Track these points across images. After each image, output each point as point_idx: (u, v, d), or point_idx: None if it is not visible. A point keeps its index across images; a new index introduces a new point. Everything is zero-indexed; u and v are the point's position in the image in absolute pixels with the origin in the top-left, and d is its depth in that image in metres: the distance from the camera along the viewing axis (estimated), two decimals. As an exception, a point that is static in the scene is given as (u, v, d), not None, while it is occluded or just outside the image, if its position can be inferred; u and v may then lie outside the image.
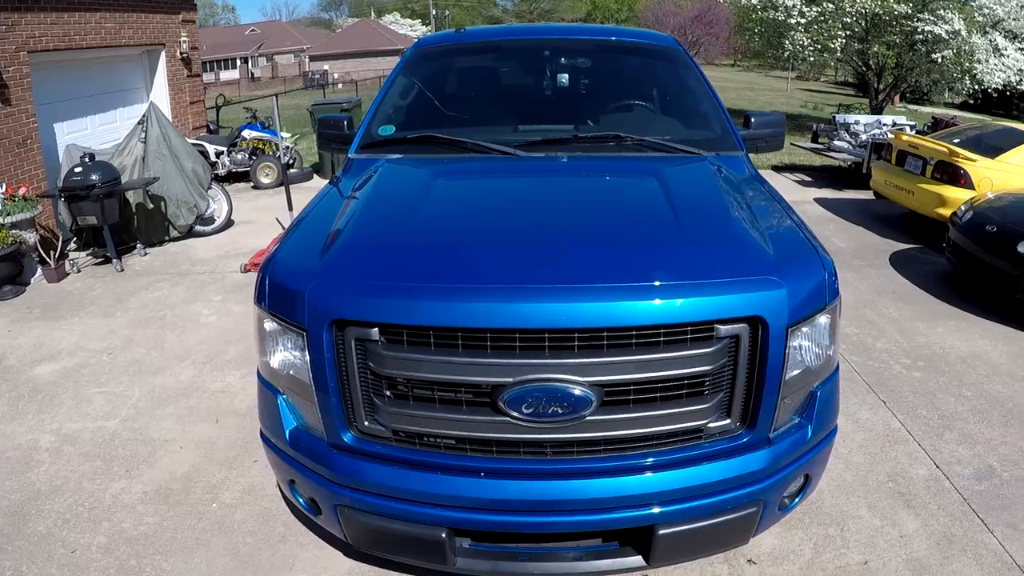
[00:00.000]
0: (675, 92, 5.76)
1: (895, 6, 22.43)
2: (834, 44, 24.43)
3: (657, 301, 2.89)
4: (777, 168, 16.96)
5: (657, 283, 2.95)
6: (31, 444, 5.51)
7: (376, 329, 2.93)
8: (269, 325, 3.30)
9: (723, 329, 2.98)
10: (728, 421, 3.17)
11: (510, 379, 2.86)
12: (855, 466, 5.26)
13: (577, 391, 2.86)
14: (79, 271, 9.53)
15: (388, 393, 3.06)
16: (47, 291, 8.90)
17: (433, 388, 3.00)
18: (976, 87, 25.20)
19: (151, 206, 10.48)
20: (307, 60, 79.82)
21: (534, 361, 2.86)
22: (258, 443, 5.18)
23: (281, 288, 3.22)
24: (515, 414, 2.89)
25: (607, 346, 2.89)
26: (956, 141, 12.10)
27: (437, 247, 3.35)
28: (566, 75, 5.75)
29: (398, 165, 4.52)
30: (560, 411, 2.88)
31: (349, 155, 4.87)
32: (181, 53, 14.32)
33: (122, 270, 9.50)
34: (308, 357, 3.07)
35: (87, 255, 10.06)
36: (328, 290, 3.03)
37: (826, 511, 4.75)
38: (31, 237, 9.15)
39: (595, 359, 2.88)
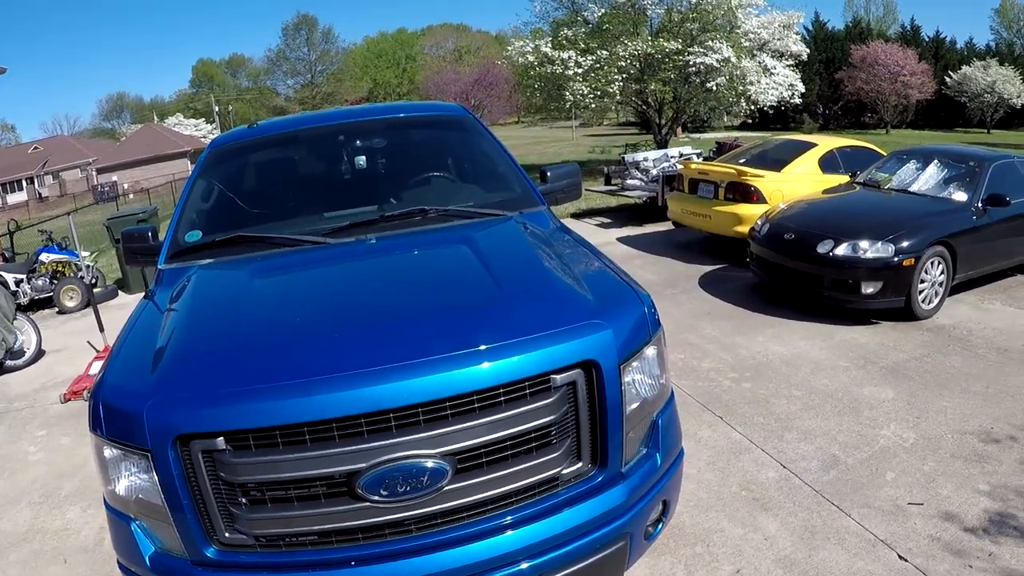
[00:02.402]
0: (471, 158, 5.88)
1: (666, 44, 23.51)
2: (612, 88, 25.28)
3: (491, 363, 2.95)
4: (576, 215, 17.33)
5: (488, 345, 3.01)
6: None
7: (221, 438, 2.88)
8: (109, 452, 3.19)
9: (559, 378, 3.06)
10: (580, 464, 3.24)
11: (363, 464, 2.86)
12: (707, 483, 5.44)
13: (431, 464, 2.89)
14: None
15: (244, 500, 3.00)
16: None
17: (289, 487, 2.96)
18: (752, 107, 26.50)
19: (-45, 347, 9.95)
20: (95, 173, 77.52)
21: (384, 442, 2.86)
22: (114, 576, 5.02)
23: (116, 412, 3.12)
24: (374, 497, 2.89)
25: (451, 415, 2.93)
26: (742, 161, 12.80)
27: (268, 346, 3.32)
28: (363, 157, 5.79)
29: (211, 270, 4.44)
30: (418, 486, 2.89)
31: (159, 266, 4.76)
32: (-35, 181, 13.76)
33: (-66, 419, 9.00)
34: (156, 478, 2.98)
35: None
36: (166, 406, 2.96)
37: (689, 532, 4.89)
38: None
39: (443, 429, 2.91)
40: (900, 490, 5.21)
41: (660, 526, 3.65)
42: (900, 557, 4.53)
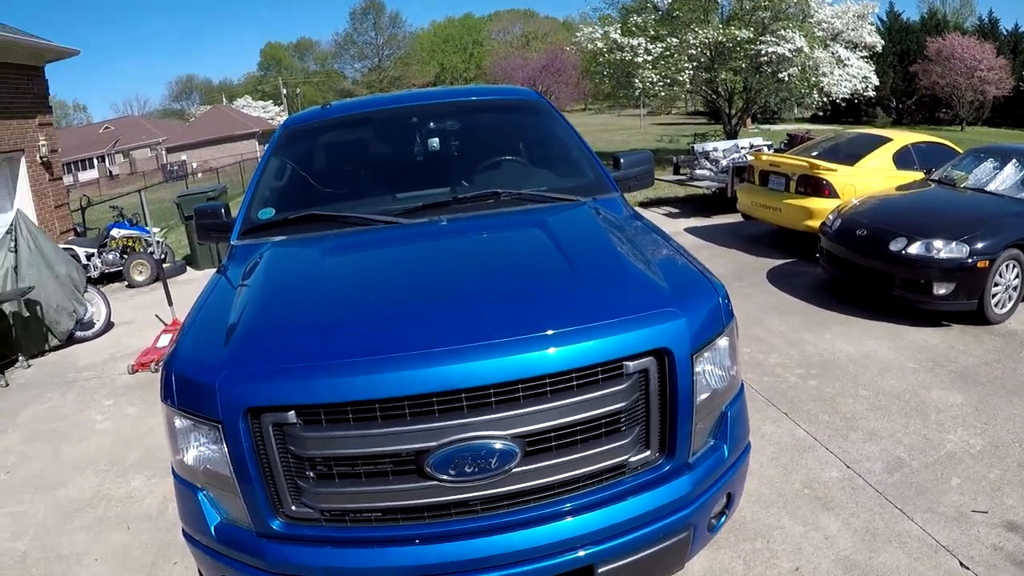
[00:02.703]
0: (543, 143, 5.86)
1: (737, 33, 23.20)
2: (682, 76, 25.06)
3: (564, 347, 2.93)
4: (644, 204, 17.22)
5: (563, 329, 2.99)
6: (-62, 579, 5.29)
7: (293, 412, 2.90)
8: (180, 422, 3.23)
9: (631, 365, 3.04)
10: (648, 453, 3.22)
11: (433, 443, 2.86)
12: (769, 479, 5.39)
13: (500, 445, 2.89)
14: (-40, 391, 9.19)
15: (312, 474, 3.02)
16: (-71, 415, 8.56)
17: (358, 463, 2.98)
18: (824, 99, 26.10)
19: (28, 316, 10.17)
20: (164, 152, 78.74)
21: (454, 422, 2.87)
22: (174, 545, 5.12)
23: (189, 383, 3.16)
24: (443, 476, 2.89)
25: (523, 397, 2.92)
26: (814, 154, 12.58)
27: (341, 323, 3.33)
28: (436, 139, 5.78)
29: (284, 247, 4.48)
30: (486, 467, 2.90)
31: (232, 242, 4.81)
32: (41, 157, 14.03)
33: (6, 385, 9.21)
34: (226, 449, 3.01)
35: (-32, 374, 9.73)
36: (239, 379, 2.99)
37: (750, 527, 4.86)
38: (-96, 362, 8.81)
39: (513, 411, 2.91)
40: (965, 497, 5.11)
41: (723, 519, 3.62)
42: (962, 564, 4.44)
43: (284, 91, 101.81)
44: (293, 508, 3.10)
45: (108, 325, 11.37)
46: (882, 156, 12.06)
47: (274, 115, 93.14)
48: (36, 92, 14.29)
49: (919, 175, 11.24)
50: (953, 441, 5.83)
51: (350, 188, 5.40)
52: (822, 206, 11.16)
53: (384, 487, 3.00)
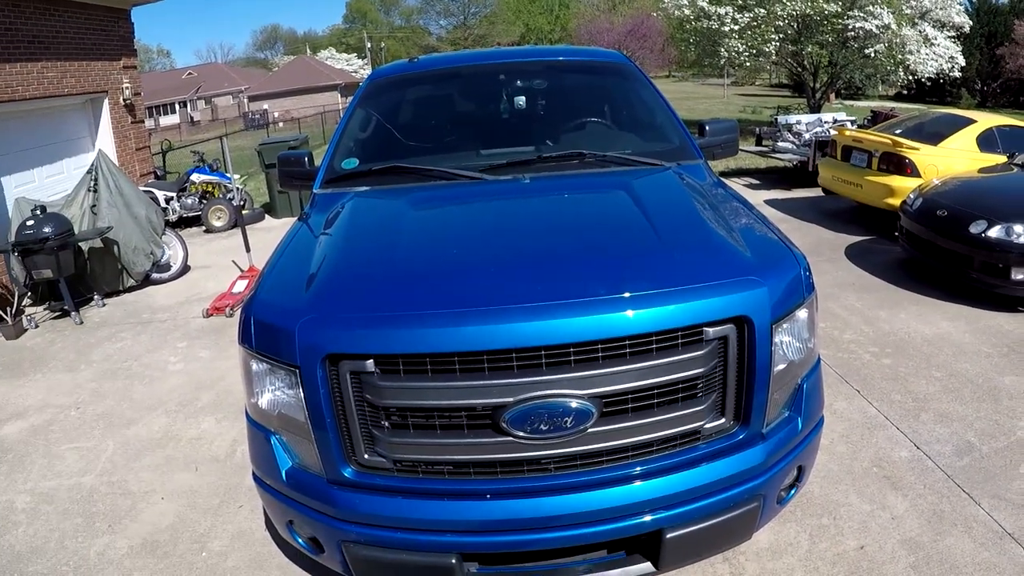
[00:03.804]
0: (629, 106, 5.82)
1: (825, 6, 22.82)
2: (768, 48, 24.79)
3: (646, 310, 2.91)
4: (724, 174, 17.09)
5: (644, 292, 2.98)
6: (6, 505, 5.42)
7: (371, 361, 2.91)
8: (256, 365, 3.26)
9: (711, 331, 3.01)
10: (723, 420, 3.20)
11: (511, 399, 2.86)
12: (839, 455, 5.34)
13: (576, 404, 2.88)
14: (37, 326, 9.43)
15: (387, 424, 3.04)
16: (6, 348, 8.81)
17: (433, 415, 2.99)
18: (909, 78, 25.63)
19: (106, 255, 10.37)
20: (246, 100, 79.59)
21: (533, 379, 2.86)
22: (241, 488, 5.18)
23: (269, 327, 3.18)
24: (518, 433, 2.90)
25: (602, 357, 2.91)
26: (898, 132, 12.39)
27: (423, 275, 3.34)
28: (522, 97, 5.78)
29: (367, 198, 4.50)
30: (562, 426, 2.89)
31: (315, 191, 4.86)
32: (124, 100, 14.19)
33: (81, 322, 9.41)
34: (302, 395, 3.04)
35: (44, 309, 9.97)
36: (319, 325, 3.00)
37: (817, 502, 4.81)
38: (-15, 294, 9.02)
39: (592, 371, 2.90)
40: (1033, 484, 5.03)
41: (793, 491, 3.62)
42: (1027, 552, 4.38)
43: (368, 45, 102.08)
44: (366, 456, 3.12)
45: (184, 268, 11.55)
46: (966, 137, 11.82)
47: (357, 68, 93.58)
48: (122, 35, 14.43)
49: (1002, 158, 10.97)
50: (1025, 428, 5.73)
51: (435, 142, 5.42)
52: (904, 184, 11.01)
53: (458, 440, 3.01)
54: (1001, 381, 6.45)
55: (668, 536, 3.08)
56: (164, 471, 5.72)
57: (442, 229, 4.02)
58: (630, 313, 2.90)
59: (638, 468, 3.09)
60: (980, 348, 7.14)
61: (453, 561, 3.05)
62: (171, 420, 6.55)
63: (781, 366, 3.25)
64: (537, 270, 3.26)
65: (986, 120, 12.32)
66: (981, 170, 10.46)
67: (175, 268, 11.31)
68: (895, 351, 7.11)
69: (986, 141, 11.73)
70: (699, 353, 3.02)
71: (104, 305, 10.15)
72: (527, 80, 5.92)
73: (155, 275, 11.02)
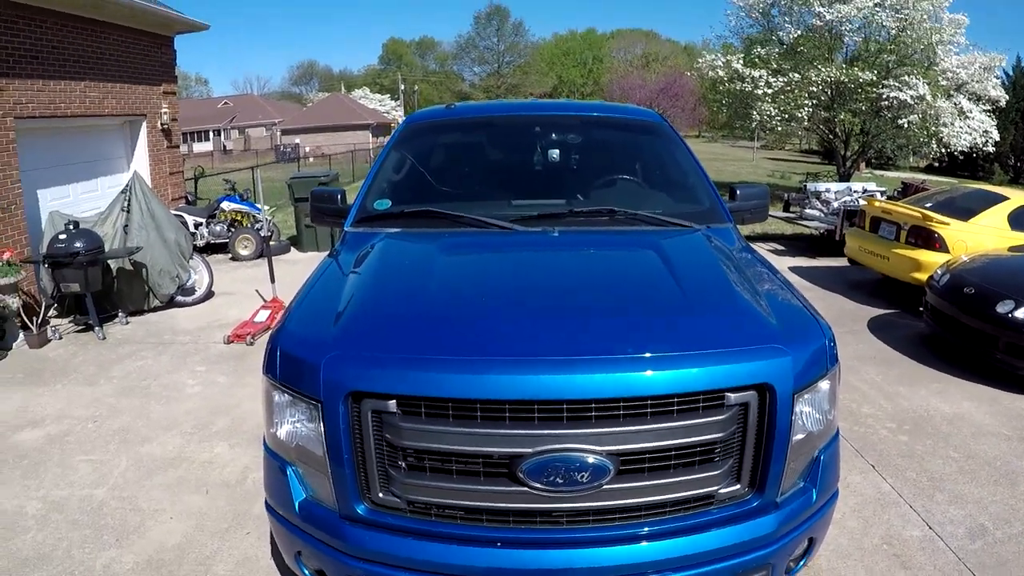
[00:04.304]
0: (662, 166, 5.85)
1: (860, 74, 22.95)
2: (801, 113, 24.88)
3: (670, 371, 2.93)
4: (751, 238, 16.95)
5: (670, 353, 3.00)
6: (17, 510, 5.46)
7: (394, 401, 2.94)
8: (279, 396, 3.29)
9: (733, 397, 3.02)
10: (738, 486, 3.20)
11: (529, 449, 2.88)
12: (849, 530, 5.30)
13: (593, 460, 2.89)
14: (61, 338, 9.52)
15: (404, 464, 3.06)
16: (29, 357, 8.90)
17: (451, 459, 3.00)
18: (942, 150, 25.58)
19: (133, 275, 10.49)
20: (279, 133, 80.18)
21: (552, 431, 2.88)
22: (250, 515, 5.20)
23: (294, 359, 3.22)
24: (534, 484, 2.90)
25: (623, 416, 2.92)
26: (928, 205, 12.31)
27: (450, 320, 3.38)
28: (556, 150, 5.85)
29: (398, 239, 4.56)
30: (578, 480, 2.89)
31: (346, 228, 4.91)
32: (162, 124, 14.40)
33: (104, 338, 9.48)
34: (322, 429, 3.06)
35: (69, 322, 10.08)
36: (345, 362, 3.03)
37: (825, 576, 4.77)
38: (14, 302, 9.14)
39: (612, 428, 2.91)
40: (1047, 574, 4.98)
41: (802, 563, 3.58)
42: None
43: (402, 87, 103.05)
44: (380, 495, 3.13)
45: (209, 294, 11.64)
46: (997, 215, 11.73)
47: (390, 109, 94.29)
48: (164, 61, 14.67)
49: (1035, 238, 10.92)
50: (1040, 515, 5.67)
51: (467, 189, 5.48)
52: (931, 259, 10.94)
53: (473, 486, 3.02)
54: (1019, 465, 6.39)
55: None
56: (175, 491, 5.74)
57: (471, 276, 4.07)
58: (653, 373, 2.92)
59: (649, 528, 3.09)
60: (1000, 430, 7.08)
61: None
62: (185, 441, 6.57)
63: (800, 436, 3.25)
64: (563, 324, 3.29)
65: (1018, 197, 12.22)
66: (1011, 248, 10.38)
67: (200, 293, 11.41)
68: (913, 428, 7.06)
69: (1018, 219, 11.62)
70: (719, 418, 3.03)
71: (128, 323, 10.24)
72: (562, 134, 5.98)
73: (180, 298, 11.12)
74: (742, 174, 38.16)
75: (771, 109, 25.25)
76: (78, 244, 9.15)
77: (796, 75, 24.64)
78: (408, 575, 3.08)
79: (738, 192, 5.35)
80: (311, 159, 57.48)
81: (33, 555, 4.91)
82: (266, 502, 3.64)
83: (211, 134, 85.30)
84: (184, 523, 5.30)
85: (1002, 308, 8.20)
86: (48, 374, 8.29)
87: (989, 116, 25.85)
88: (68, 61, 11.76)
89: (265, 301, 10.24)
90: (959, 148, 25.11)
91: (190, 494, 5.70)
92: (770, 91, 25.12)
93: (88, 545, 5.03)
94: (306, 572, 3.48)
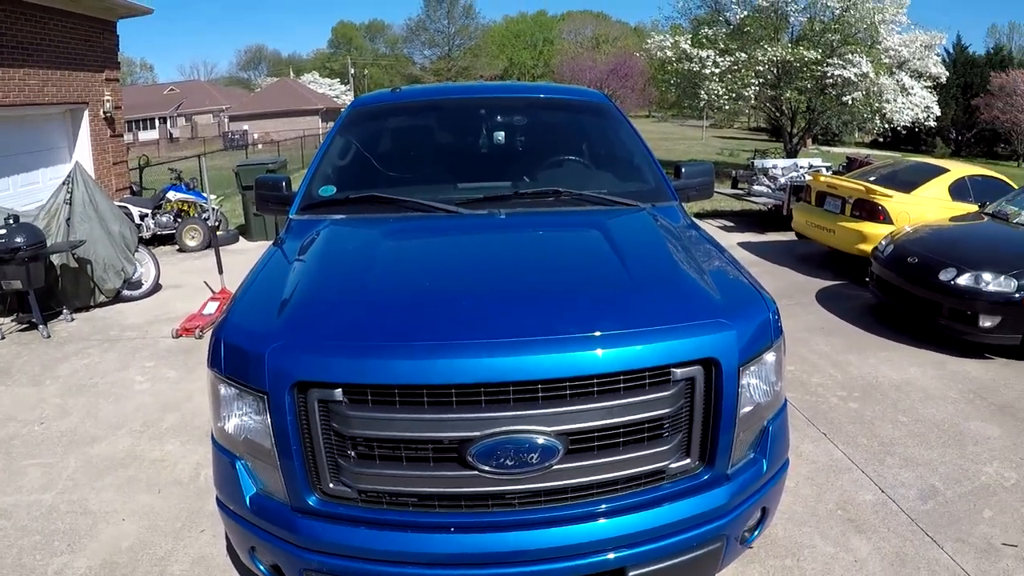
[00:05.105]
0: (607, 146, 5.86)
1: (805, 53, 23.26)
2: (748, 92, 25.26)
3: (615, 349, 2.94)
4: (699, 215, 17.21)
5: (614, 331, 3.00)
6: (-37, 519, 5.34)
7: (340, 390, 2.91)
8: (224, 390, 3.25)
9: (679, 372, 3.03)
10: (688, 460, 3.21)
11: (477, 433, 2.87)
12: (804, 497, 5.37)
13: (542, 441, 2.88)
14: (3, 337, 9.31)
15: (353, 454, 3.03)
16: (-29, 359, 8.69)
17: (400, 446, 2.99)
18: (885, 126, 26.00)
19: (77, 270, 10.26)
20: (227, 120, 79.17)
21: (500, 414, 2.87)
22: (203, 512, 5.14)
23: (238, 351, 3.17)
24: (484, 467, 2.90)
25: (570, 395, 2.92)
26: (872, 179, 12.61)
27: (395, 306, 3.35)
28: (502, 133, 5.85)
29: (343, 226, 4.51)
30: (528, 461, 2.89)
31: (291, 216, 4.85)
32: (104, 112, 14.19)
33: (49, 336, 9.31)
34: (269, 421, 3.03)
35: (11, 321, 9.84)
36: (290, 352, 3.00)
37: (780, 543, 4.83)
38: (-48, 302, 8.91)
39: (559, 408, 2.91)
40: (996, 529, 5.07)
41: (756, 533, 3.62)
42: (989, 596, 4.42)
43: (352, 71, 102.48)
44: (331, 486, 3.11)
45: (156, 287, 11.47)
46: (938, 186, 12.04)
47: (339, 93, 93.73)
48: (106, 46, 14.46)
49: (973, 207, 11.15)
50: (988, 473, 5.78)
51: (413, 173, 5.43)
52: (876, 231, 11.16)
53: (424, 473, 3.01)
54: (967, 427, 6.52)
55: (631, 574, 3.08)
56: (126, 492, 5.65)
57: (416, 261, 4.05)
58: (599, 352, 2.92)
59: (603, 506, 3.09)
60: (947, 394, 7.21)
61: None
62: (135, 440, 6.47)
63: (747, 408, 3.28)
64: (508, 306, 3.29)
65: (959, 169, 12.55)
66: (952, 218, 10.62)
67: (146, 286, 11.21)
68: (862, 395, 7.17)
69: (958, 190, 11.94)
70: (666, 393, 3.04)
71: (73, 320, 10.04)
72: (507, 116, 5.98)
73: (126, 292, 10.91)
74: (692, 153, 38.43)
75: (719, 88, 25.60)
76: (19, 239, 8.91)
77: (743, 55, 24.99)
78: (363, 565, 3.06)
79: (683, 170, 5.36)
80: (260, 146, 56.85)
81: (-19, 563, 4.82)
82: (217, 498, 3.59)
83: (157, 122, 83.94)
84: (137, 524, 5.22)
85: (944, 276, 8.37)
86: (-9, 376, 8.13)
87: (930, 92, 26.45)
88: (5, 48, 11.57)
89: (214, 293, 10.13)
90: (902, 123, 25.69)
91: (142, 494, 5.61)
92: (717, 71, 25.48)
93: (39, 551, 4.93)
94: (261, 568, 3.44)
